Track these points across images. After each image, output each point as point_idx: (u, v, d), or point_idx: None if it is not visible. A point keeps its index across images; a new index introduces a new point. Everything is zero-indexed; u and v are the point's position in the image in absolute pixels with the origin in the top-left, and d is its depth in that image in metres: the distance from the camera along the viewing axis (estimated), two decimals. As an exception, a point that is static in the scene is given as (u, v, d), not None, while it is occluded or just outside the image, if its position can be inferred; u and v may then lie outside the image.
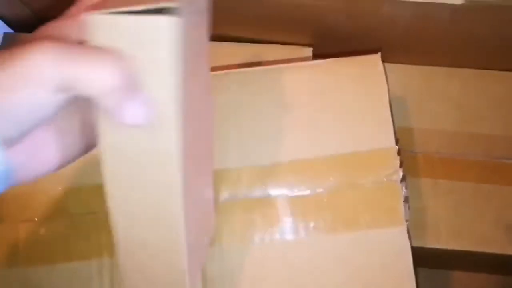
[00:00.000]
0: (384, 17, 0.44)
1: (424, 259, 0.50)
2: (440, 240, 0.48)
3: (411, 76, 0.53)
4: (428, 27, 0.45)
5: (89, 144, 0.26)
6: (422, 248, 0.47)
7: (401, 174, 0.40)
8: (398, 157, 0.40)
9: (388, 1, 0.41)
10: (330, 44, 0.51)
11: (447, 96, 0.52)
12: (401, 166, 0.40)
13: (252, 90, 0.43)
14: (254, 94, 0.43)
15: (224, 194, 0.41)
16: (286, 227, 0.40)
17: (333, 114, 0.42)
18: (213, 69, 0.48)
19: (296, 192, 0.40)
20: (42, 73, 0.19)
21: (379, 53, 0.43)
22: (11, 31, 0.53)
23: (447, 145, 0.51)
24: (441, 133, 0.52)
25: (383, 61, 0.45)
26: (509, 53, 0.50)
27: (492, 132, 0.51)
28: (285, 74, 0.43)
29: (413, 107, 0.52)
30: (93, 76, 0.20)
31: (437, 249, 0.48)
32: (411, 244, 0.39)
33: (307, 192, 0.40)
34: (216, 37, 0.51)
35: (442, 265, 0.60)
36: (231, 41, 0.52)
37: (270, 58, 0.50)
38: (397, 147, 0.41)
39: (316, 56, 0.51)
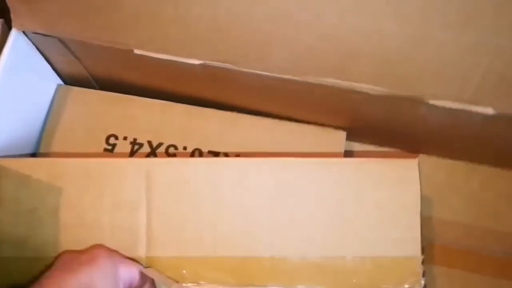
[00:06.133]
0: (419, 116, 0.47)
1: None
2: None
3: (434, 167, 0.56)
4: (459, 129, 0.48)
5: None
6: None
7: (422, 283, 0.41)
8: (422, 267, 0.42)
9: (425, 104, 0.44)
10: (363, 129, 0.54)
11: (467, 190, 0.55)
12: (423, 276, 0.42)
13: (287, 179, 0.43)
14: (289, 183, 0.43)
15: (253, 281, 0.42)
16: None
17: (365, 215, 0.43)
18: (248, 154, 0.49)
19: (319, 289, 0.42)
20: None
21: (417, 159, 0.44)
22: (62, 83, 0.56)
23: (463, 237, 0.53)
24: (458, 225, 0.54)
25: (409, 150, 0.46)
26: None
27: (508, 230, 0.53)
28: (321, 168, 0.44)
29: (433, 196, 0.54)
30: None
31: None
32: None
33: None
34: (252, 111, 0.53)
35: None
36: (265, 116, 0.53)
37: (303, 139, 0.52)
38: (422, 256, 0.42)
39: (349, 139, 0.54)
